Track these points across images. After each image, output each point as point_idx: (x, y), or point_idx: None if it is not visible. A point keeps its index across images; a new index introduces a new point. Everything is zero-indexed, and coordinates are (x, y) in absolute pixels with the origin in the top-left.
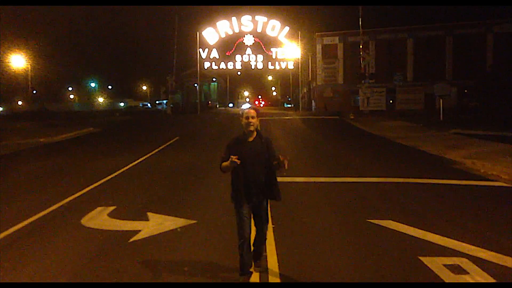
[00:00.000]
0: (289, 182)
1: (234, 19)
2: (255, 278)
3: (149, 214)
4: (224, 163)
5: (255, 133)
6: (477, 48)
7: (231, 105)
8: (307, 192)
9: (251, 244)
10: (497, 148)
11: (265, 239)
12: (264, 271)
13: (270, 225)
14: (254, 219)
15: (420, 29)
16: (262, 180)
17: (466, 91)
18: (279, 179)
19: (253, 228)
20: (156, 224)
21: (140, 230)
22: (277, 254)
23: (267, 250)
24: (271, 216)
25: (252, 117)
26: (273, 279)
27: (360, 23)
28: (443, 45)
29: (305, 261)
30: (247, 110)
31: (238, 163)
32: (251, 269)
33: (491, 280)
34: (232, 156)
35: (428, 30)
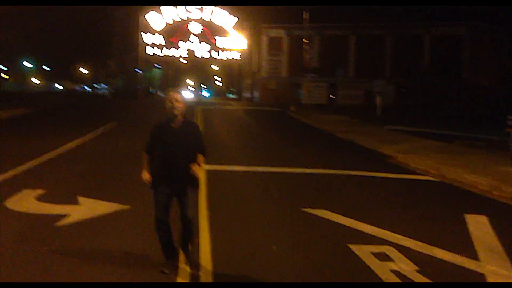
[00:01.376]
0: (227, 171)
1: (180, 5)
2: (185, 277)
3: (80, 198)
4: (144, 160)
5: (180, 118)
6: (415, 48)
7: None
8: (245, 182)
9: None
10: (427, 144)
11: (191, 230)
12: (195, 271)
13: (206, 213)
14: (178, 205)
15: (362, 27)
16: (183, 166)
17: (402, 89)
18: (218, 167)
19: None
20: (86, 208)
21: (69, 214)
22: (211, 242)
23: (202, 238)
24: (208, 205)
25: (177, 101)
26: (206, 271)
27: (305, 17)
28: (384, 44)
29: (239, 249)
30: (171, 93)
31: (147, 182)
32: (178, 263)
33: (413, 266)
34: (144, 177)
35: (369, 29)
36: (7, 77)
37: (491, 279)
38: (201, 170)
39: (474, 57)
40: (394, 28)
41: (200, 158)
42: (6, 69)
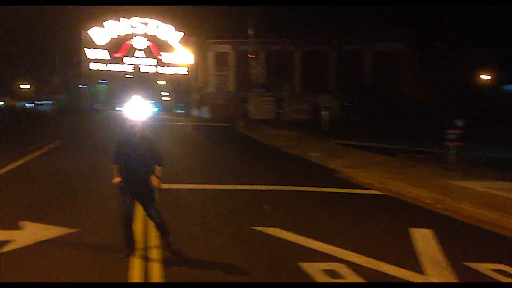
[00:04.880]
0: (176, 189)
1: (125, 19)
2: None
3: (24, 222)
4: (114, 170)
5: (139, 134)
6: (357, 64)
7: (119, 108)
8: (193, 200)
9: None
10: (373, 159)
11: (163, 226)
12: (174, 251)
13: (156, 234)
14: (141, 205)
15: (306, 43)
16: (141, 172)
17: (347, 103)
18: (167, 186)
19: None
20: (31, 233)
21: (13, 240)
22: (163, 264)
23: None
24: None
25: (137, 121)
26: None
27: (250, 33)
28: (328, 59)
29: (192, 269)
30: (133, 115)
31: (116, 183)
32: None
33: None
34: (116, 181)
35: (314, 44)
36: None
37: None
38: (159, 181)
39: (414, 73)
40: (338, 44)
41: (158, 169)
42: None
